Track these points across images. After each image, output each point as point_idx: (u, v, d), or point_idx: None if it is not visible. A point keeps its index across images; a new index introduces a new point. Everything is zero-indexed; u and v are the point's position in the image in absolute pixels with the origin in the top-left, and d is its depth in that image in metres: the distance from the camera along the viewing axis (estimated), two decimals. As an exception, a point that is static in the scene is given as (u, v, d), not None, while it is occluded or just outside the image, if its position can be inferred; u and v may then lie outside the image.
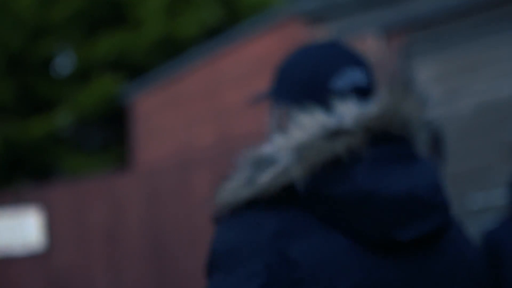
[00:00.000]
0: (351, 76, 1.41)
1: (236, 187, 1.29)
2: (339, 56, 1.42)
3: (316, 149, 1.28)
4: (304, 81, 1.42)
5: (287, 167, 1.27)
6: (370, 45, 5.73)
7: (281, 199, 1.29)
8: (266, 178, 1.27)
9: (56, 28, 11.88)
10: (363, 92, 1.41)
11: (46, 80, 12.14)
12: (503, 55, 5.29)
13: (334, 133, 1.29)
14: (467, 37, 5.43)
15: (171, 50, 11.78)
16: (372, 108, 1.32)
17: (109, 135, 12.48)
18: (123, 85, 11.11)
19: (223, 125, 7.24)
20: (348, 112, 1.31)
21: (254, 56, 7.17)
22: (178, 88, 7.92)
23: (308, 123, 1.30)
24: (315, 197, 1.28)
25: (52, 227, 7.49)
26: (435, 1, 5.46)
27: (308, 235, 1.26)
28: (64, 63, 12.94)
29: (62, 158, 11.88)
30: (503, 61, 5.27)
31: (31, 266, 7.53)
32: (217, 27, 11.62)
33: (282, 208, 1.28)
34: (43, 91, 12.01)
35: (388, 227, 1.27)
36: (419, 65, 5.64)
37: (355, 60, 1.43)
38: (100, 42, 11.81)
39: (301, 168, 1.27)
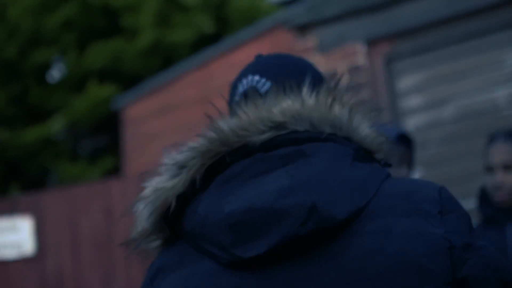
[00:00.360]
0: (243, 85, 1.42)
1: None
2: (244, 70, 1.46)
3: (162, 191, 1.31)
4: (228, 101, 1.49)
5: (139, 219, 1.35)
6: (356, 53, 5.82)
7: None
8: (135, 231, 1.38)
9: (50, 36, 11.95)
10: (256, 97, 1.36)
11: (40, 88, 12.19)
12: (486, 63, 5.38)
13: (180, 167, 1.31)
14: (451, 45, 5.52)
15: (164, 58, 11.85)
16: (209, 132, 1.30)
17: (103, 142, 12.53)
18: (116, 92, 11.19)
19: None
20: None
21: (244, 63, 7.26)
22: (170, 94, 8.00)
23: (165, 163, 1.33)
24: (181, 232, 1.31)
25: (45, 233, 7.54)
26: (420, 10, 5.55)
27: (180, 267, 1.29)
28: (59, 70, 13.00)
29: (56, 164, 11.93)
30: (486, 68, 5.36)
31: (23, 271, 7.58)
32: (208, 35, 11.70)
33: (173, 245, 1.34)
34: (37, 98, 12.07)
35: (229, 247, 1.22)
36: (403, 73, 5.73)
37: (253, 68, 1.43)
38: (94, 50, 11.88)
39: (150, 217, 1.34)
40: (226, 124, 1.29)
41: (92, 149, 12.56)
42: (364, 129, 1.32)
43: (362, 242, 1.21)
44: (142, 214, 1.35)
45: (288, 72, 1.41)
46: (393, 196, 1.25)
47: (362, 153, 1.31)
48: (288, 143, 1.27)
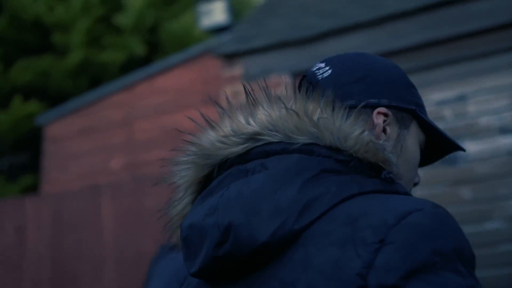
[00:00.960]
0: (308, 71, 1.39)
1: None
2: None
3: (177, 202, 1.34)
4: None
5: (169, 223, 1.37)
6: (282, 83, 5.86)
7: None
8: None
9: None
10: (311, 84, 1.35)
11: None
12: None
13: (180, 177, 1.34)
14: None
15: (92, 78, 11.75)
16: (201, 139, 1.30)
17: (24, 159, 12.30)
18: (42, 110, 11.02)
19: (134, 154, 7.25)
20: None
21: (169, 88, 7.24)
22: (93, 115, 7.91)
23: (172, 174, 1.36)
24: None
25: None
26: (344, 47, 5.63)
27: (189, 277, 1.32)
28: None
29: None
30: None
31: None
32: (139, 58, 11.66)
33: None
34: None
35: (184, 260, 1.23)
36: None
37: (326, 58, 1.40)
38: (22, 66, 11.70)
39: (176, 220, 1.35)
40: (206, 137, 1.27)
41: (12, 166, 12.31)
42: (352, 136, 1.21)
43: (282, 273, 1.12)
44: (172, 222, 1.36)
45: (351, 68, 1.35)
46: (340, 219, 1.12)
47: (354, 164, 1.20)
48: (260, 156, 1.22)
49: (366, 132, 1.21)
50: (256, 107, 1.26)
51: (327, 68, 1.35)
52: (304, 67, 5.79)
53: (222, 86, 6.26)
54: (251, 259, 1.14)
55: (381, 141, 1.26)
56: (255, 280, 1.15)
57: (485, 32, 5.07)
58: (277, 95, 1.26)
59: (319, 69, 1.36)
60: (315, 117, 1.21)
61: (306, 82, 1.35)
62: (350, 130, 1.21)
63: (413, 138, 1.36)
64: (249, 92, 1.28)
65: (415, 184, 1.39)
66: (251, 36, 6.23)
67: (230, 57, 6.23)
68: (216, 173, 1.26)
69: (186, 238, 1.20)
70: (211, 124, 1.28)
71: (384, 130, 1.32)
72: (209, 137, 1.26)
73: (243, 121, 1.25)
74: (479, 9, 5.14)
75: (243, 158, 1.24)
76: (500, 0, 5.06)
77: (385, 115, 1.32)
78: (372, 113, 1.32)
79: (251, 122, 1.24)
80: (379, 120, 1.32)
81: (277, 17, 6.29)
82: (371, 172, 1.21)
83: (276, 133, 1.22)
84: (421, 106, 1.39)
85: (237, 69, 6.19)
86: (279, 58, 5.95)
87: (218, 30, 7.34)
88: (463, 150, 1.42)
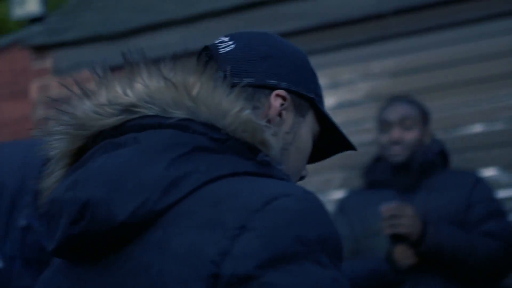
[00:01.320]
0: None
1: None
2: None
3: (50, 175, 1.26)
4: None
5: None
6: (92, 79, 5.74)
7: None
8: None
9: None
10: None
11: None
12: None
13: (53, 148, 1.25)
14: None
15: None
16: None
17: None
18: None
19: None
20: None
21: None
22: None
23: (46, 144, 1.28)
24: None
25: None
26: (155, 41, 5.59)
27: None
28: None
29: None
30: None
31: None
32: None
33: None
34: None
35: (43, 237, 1.16)
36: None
37: (232, 33, 1.33)
38: None
39: None
40: (81, 106, 1.18)
41: None
42: (231, 114, 1.13)
43: (139, 255, 1.05)
44: None
45: (254, 46, 1.28)
46: (205, 200, 1.05)
47: (231, 143, 1.13)
48: (135, 129, 1.14)
49: (247, 111, 1.15)
50: (136, 77, 1.18)
51: (230, 42, 1.28)
52: (115, 62, 5.66)
53: (31, 78, 6.06)
54: (109, 239, 1.07)
55: (263, 121, 1.19)
56: (114, 261, 1.08)
57: (295, 34, 5.18)
58: (158, 66, 1.19)
59: (221, 42, 1.29)
60: (194, 91, 1.14)
61: (205, 55, 1.28)
62: (229, 107, 1.14)
63: (307, 128, 1.31)
64: (130, 62, 1.23)
65: (302, 178, 1.33)
66: (63, 28, 6.09)
67: (40, 49, 6.06)
68: (90, 145, 1.18)
69: (47, 213, 1.13)
70: (86, 93, 1.19)
71: (280, 114, 1.27)
72: (84, 107, 1.17)
73: (120, 91, 1.17)
74: (290, 11, 5.24)
75: (117, 131, 1.15)
76: (308, 4, 5.18)
77: (284, 98, 1.27)
78: (270, 94, 1.26)
79: (129, 92, 1.16)
80: (276, 102, 1.26)
81: (91, 11, 6.18)
82: (248, 154, 1.14)
83: (152, 106, 1.14)
84: (320, 96, 1.34)
85: (47, 62, 6.03)
86: (91, 53, 5.83)
87: (32, 20, 7.07)
88: (355, 149, 1.37)
